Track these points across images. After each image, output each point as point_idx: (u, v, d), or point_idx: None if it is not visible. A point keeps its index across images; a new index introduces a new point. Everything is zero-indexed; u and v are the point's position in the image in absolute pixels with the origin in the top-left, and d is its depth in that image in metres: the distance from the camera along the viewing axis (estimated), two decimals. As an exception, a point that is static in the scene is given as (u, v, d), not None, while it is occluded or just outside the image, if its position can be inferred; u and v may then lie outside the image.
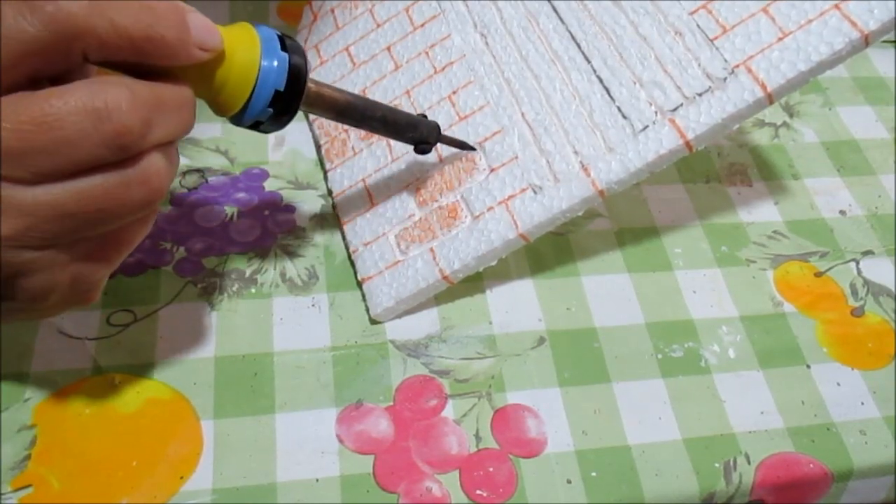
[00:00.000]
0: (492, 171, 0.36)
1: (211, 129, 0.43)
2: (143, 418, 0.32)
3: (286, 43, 0.28)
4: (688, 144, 0.33)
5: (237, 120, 0.29)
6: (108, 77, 0.23)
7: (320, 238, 0.39)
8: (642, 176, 0.34)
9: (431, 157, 0.38)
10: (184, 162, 0.41)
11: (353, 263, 0.38)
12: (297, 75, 0.28)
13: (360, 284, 0.37)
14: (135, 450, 0.31)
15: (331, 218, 0.40)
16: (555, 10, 0.38)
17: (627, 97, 0.35)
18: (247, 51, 0.27)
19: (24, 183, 0.22)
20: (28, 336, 0.34)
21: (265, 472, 0.32)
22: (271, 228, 0.39)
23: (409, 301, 0.36)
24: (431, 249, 0.36)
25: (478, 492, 0.32)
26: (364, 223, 0.38)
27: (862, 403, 0.36)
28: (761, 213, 0.43)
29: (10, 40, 0.21)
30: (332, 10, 0.45)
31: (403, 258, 0.36)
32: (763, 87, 0.33)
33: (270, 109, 0.28)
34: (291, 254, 0.38)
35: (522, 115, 0.37)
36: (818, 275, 0.40)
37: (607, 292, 0.39)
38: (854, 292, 0.40)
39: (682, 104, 0.34)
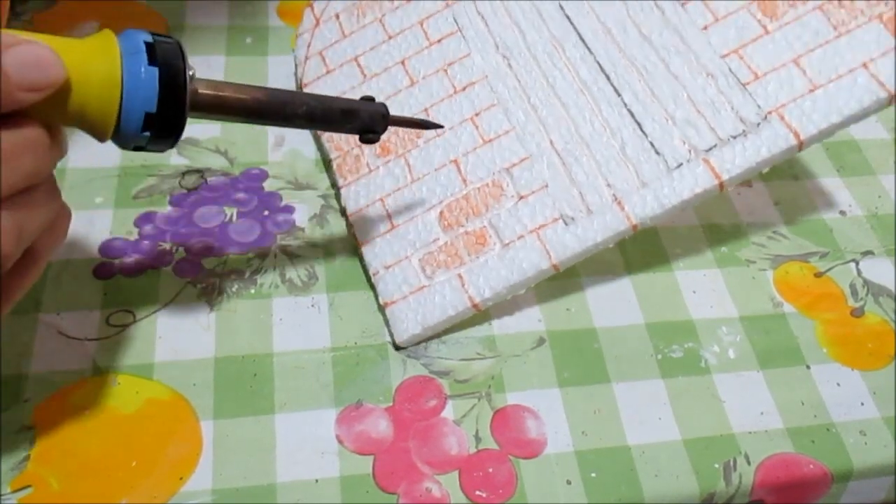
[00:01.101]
0: (521, 198, 0.36)
1: (210, 130, 0.43)
2: (142, 419, 0.32)
3: (156, 51, 0.24)
4: (721, 185, 0.34)
5: (120, 145, 0.25)
6: None
7: (320, 238, 0.39)
8: (675, 212, 0.34)
9: (455, 180, 0.37)
10: (183, 162, 0.41)
11: (373, 287, 0.37)
12: (172, 90, 0.24)
13: (381, 308, 0.36)
14: (134, 450, 0.31)
15: (331, 218, 0.40)
16: (581, 38, 0.38)
17: (660, 133, 0.35)
18: (104, 70, 0.23)
19: None
20: (27, 336, 0.34)
21: (265, 472, 0.32)
22: (271, 229, 0.39)
23: (435, 328, 0.35)
24: (460, 276, 0.36)
25: (477, 492, 0.32)
26: (385, 245, 0.37)
27: (862, 404, 0.36)
28: (761, 214, 0.43)
29: None
30: (337, 16, 0.45)
31: (429, 283, 0.36)
32: (796, 135, 0.33)
33: (147, 133, 0.25)
34: (291, 254, 0.38)
35: (551, 142, 0.37)
36: (818, 275, 0.40)
37: (607, 293, 0.39)
38: (854, 293, 0.40)
39: (715, 145, 0.34)
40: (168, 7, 0.49)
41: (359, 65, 0.43)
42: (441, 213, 0.37)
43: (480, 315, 0.37)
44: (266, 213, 0.40)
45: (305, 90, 0.43)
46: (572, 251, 0.35)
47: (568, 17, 0.39)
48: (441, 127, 0.36)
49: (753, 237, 0.42)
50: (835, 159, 0.46)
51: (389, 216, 0.38)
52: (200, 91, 0.26)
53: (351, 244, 0.39)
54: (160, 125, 0.25)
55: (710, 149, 0.34)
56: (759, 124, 0.34)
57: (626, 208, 0.34)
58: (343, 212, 0.40)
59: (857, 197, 0.44)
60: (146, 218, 0.39)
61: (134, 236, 0.38)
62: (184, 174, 0.41)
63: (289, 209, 0.40)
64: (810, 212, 0.43)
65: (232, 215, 0.40)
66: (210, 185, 0.41)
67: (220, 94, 0.27)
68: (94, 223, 0.38)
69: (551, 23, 0.39)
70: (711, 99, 0.35)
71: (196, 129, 0.42)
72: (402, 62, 0.42)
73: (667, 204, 0.34)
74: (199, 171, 0.41)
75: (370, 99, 0.32)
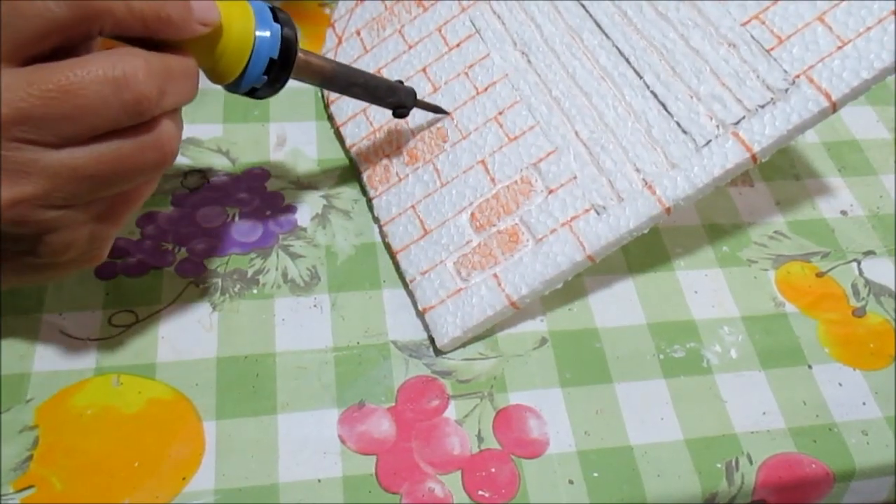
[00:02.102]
0: (550, 192, 0.36)
1: (212, 130, 0.43)
2: (145, 419, 0.32)
3: (278, 15, 0.30)
4: (754, 157, 0.33)
5: (233, 87, 0.31)
6: (124, 48, 0.25)
7: (322, 238, 0.39)
8: (708, 191, 0.34)
9: (484, 181, 0.38)
10: (185, 162, 0.41)
11: (410, 294, 0.37)
12: (288, 44, 0.30)
13: (420, 315, 0.36)
14: (137, 450, 0.31)
15: (333, 218, 0.40)
16: (598, 25, 0.38)
17: (686, 112, 0.35)
18: (242, 23, 0.29)
19: (50, 147, 0.24)
20: (30, 337, 0.34)
21: (267, 472, 0.32)
22: (273, 229, 0.39)
23: (475, 329, 0.35)
24: (495, 275, 0.35)
25: (480, 492, 0.32)
26: (419, 251, 0.37)
27: (863, 404, 0.36)
28: (763, 214, 0.43)
29: (36, 18, 0.23)
30: (358, 32, 0.45)
31: (465, 286, 0.36)
32: (827, 96, 0.32)
33: (265, 77, 0.30)
34: (293, 254, 0.38)
35: (576, 133, 0.36)
36: (819, 275, 0.40)
37: (609, 293, 0.39)
38: (855, 292, 0.40)
39: (744, 117, 0.34)
40: (169, 7, 0.48)
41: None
42: (472, 214, 0.37)
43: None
44: (268, 213, 0.40)
45: (332, 107, 0.44)
46: (606, 240, 0.34)
47: (583, 6, 0.39)
48: (447, 113, 0.40)
49: (755, 237, 0.42)
50: (836, 159, 0.46)
51: (422, 222, 0.38)
52: (298, 53, 0.32)
53: (352, 244, 0.39)
54: (277, 71, 0.31)
55: (739, 121, 0.34)
56: (787, 90, 0.33)
57: (657, 192, 0.34)
58: (376, 221, 0.40)
59: (859, 197, 0.44)
60: (148, 218, 0.39)
61: (136, 236, 0.38)
62: (186, 174, 0.41)
63: (291, 209, 0.40)
64: (812, 212, 0.43)
65: (234, 215, 0.40)
66: (212, 185, 0.41)
67: (310, 58, 0.33)
68: (96, 223, 0.38)
69: (567, 14, 0.39)
70: (735, 70, 0.34)
71: (198, 129, 0.43)
72: (424, 70, 0.42)
73: (698, 183, 0.34)
74: (201, 171, 0.41)
75: (400, 82, 0.39)
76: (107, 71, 0.24)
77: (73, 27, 0.24)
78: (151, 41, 0.26)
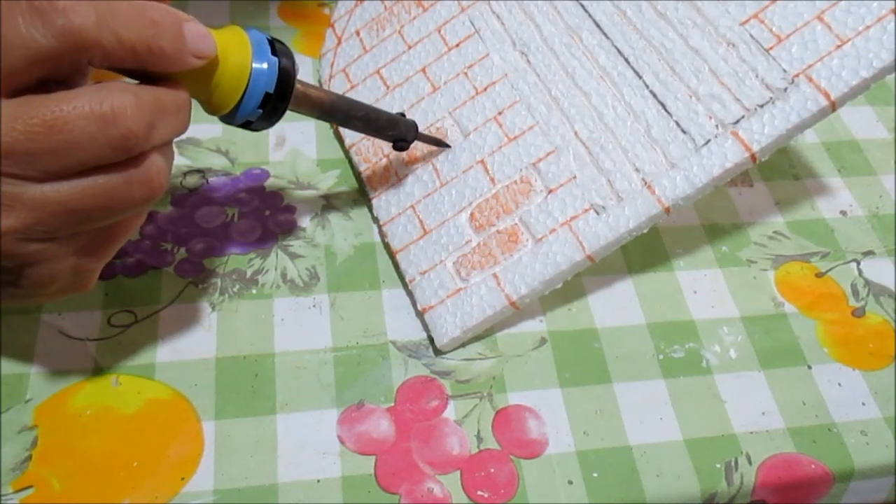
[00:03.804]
0: (550, 192, 0.36)
1: (211, 130, 0.43)
2: (144, 419, 0.32)
3: (276, 47, 0.30)
4: (753, 157, 0.33)
5: (228, 119, 0.30)
6: (114, 83, 0.25)
7: (321, 238, 0.39)
8: (707, 190, 0.34)
9: (483, 181, 0.38)
10: (184, 162, 0.41)
11: (410, 294, 0.37)
12: (286, 78, 0.30)
13: (420, 315, 0.36)
14: (136, 450, 0.31)
15: (332, 218, 0.40)
16: (597, 25, 0.38)
17: (685, 111, 0.35)
18: (239, 55, 0.28)
19: (33, 180, 0.24)
20: (29, 337, 0.34)
21: (266, 472, 0.32)
22: (272, 229, 0.39)
23: (474, 329, 0.35)
24: (495, 275, 0.35)
25: (479, 492, 0.32)
26: (419, 251, 0.37)
27: (863, 404, 0.36)
28: (762, 214, 0.43)
29: (21, 49, 0.23)
30: (358, 32, 0.45)
31: (465, 285, 0.36)
32: (826, 95, 0.32)
33: (260, 110, 0.30)
34: (292, 254, 0.38)
35: (575, 133, 0.36)
36: (819, 275, 0.40)
37: (608, 293, 0.39)
38: (855, 293, 0.40)
39: (743, 116, 0.34)
40: (169, 7, 0.49)
41: (381, 77, 0.43)
42: (472, 214, 0.37)
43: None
44: (267, 212, 0.40)
45: None
46: (606, 240, 0.34)
47: (582, 6, 0.39)
48: (448, 147, 0.39)
49: (754, 237, 0.42)
50: (836, 159, 0.46)
51: (421, 222, 0.38)
52: (296, 85, 0.31)
53: (351, 244, 0.39)
54: (273, 104, 0.30)
55: (738, 121, 0.34)
56: (786, 89, 0.33)
57: (656, 192, 0.34)
58: (376, 221, 0.40)
59: (858, 197, 0.44)
60: (148, 218, 0.39)
61: (135, 236, 0.38)
62: (185, 174, 0.41)
63: (290, 209, 0.40)
64: (811, 212, 0.43)
65: (233, 215, 0.40)
66: (211, 185, 0.41)
67: (308, 90, 0.32)
68: (96, 223, 0.38)
69: (566, 13, 0.39)
70: (734, 69, 0.34)
71: (197, 129, 0.43)
72: (423, 70, 0.42)
73: (698, 183, 0.34)
74: (200, 171, 0.41)
75: (402, 115, 0.38)
76: (94, 107, 0.23)
77: (60, 58, 0.23)
78: (144, 73, 0.26)
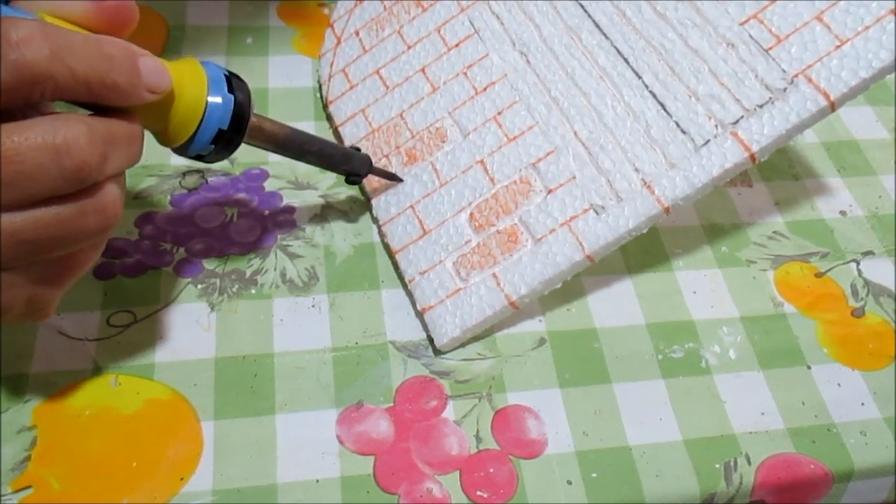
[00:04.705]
0: (549, 192, 0.36)
1: (211, 130, 0.43)
2: (143, 419, 0.32)
3: (232, 83, 0.30)
4: (752, 157, 0.33)
5: (181, 151, 0.30)
6: (66, 114, 0.25)
7: (321, 239, 0.39)
8: (707, 190, 0.34)
9: (483, 181, 0.38)
10: (184, 162, 0.41)
11: (409, 294, 0.37)
12: (240, 114, 0.30)
13: (420, 315, 0.36)
14: (135, 451, 0.31)
15: (332, 218, 0.40)
16: (597, 25, 0.38)
17: (684, 112, 0.35)
18: (194, 89, 0.29)
19: None
20: (28, 337, 0.34)
21: (265, 473, 0.32)
22: (271, 229, 0.39)
23: (474, 329, 0.35)
24: (494, 275, 0.35)
25: (478, 493, 0.32)
26: (418, 251, 0.37)
27: (862, 404, 0.36)
28: (762, 214, 0.43)
29: None
30: (357, 32, 0.45)
31: (464, 286, 0.36)
32: (826, 95, 0.32)
33: (213, 146, 0.30)
34: (292, 254, 0.38)
35: (575, 133, 0.36)
36: (819, 275, 0.40)
37: (608, 293, 0.39)
38: (854, 293, 0.40)
39: (742, 117, 0.34)
40: (169, 7, 0.49)
41: (381, 77, 0.43)
42: (471, 214, 0.37)
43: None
44: (266, 213, 0.40)
45: (331, 107, 0.44)
46: (605, 240, 0.34)
47: (582, 6, 0.39)
48: (401, 181, 0.39)
49: (754, 237, 0.42)
50: (835, 159, 0.46)
51: (421, 222, 0.38)
52: (252, 119, 0.31)
53: (351, 244, 0.39)
54: (226, 140, 0.30)
55: (737, 121, 0.34)
56: (785, 90, 0.33)
57: (656, 192, 0.34)
58: (375, 221, 0.40)
59: (858, 197, 0.44)
60: (147, 218, 0.39)
61: (134, 236, 0.38)
62: (184, 174, 0.41)
63: (289, 209, 0.40)
64: (811, 212, 0.43)
65: (232, 215, 0.40)
66: (211, 186, 0.41)
67: (263, 124, 0.33)
68: (95, 223, 0.38)
69: (565, 14, 0.39)
70: (734, 69, 0.34)
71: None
72: (423, 70, 0.42)
73: (697, 183, 0.34)
74: (199, 172, 0.41)
75: (357, 149, 0.39)
76: (46, 138, 0.23)
77: (10, 92, 0.23)
78: (98, 106, 0.26)
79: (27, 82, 0.23)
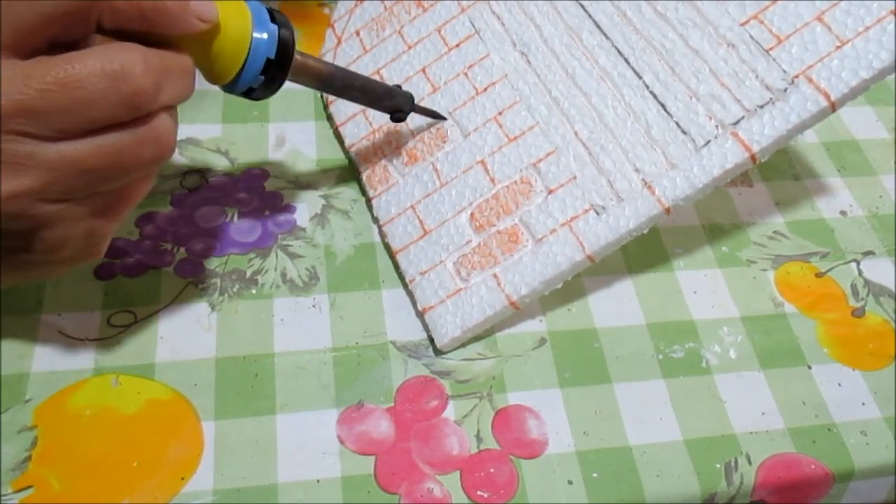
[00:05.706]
0: (550, 192, 0.36)
1: (211, 130, 0.43)
2: (143, 419, 0.32)
3: (275, 16, 0.31)
4: (753, 157, 0.33)
5: (230, 87, 0.31)
6: (121, 43, 0.25)
7: (321, 238, 0.39)
8: (708, 191, 0.34)
9: (484, 181, 0.38)
10: (184, 162, 0.41)
11: (410, 294, 0.37)
12: (285, 45, 0.31)
13: (420, 315, 0.36)
14: (135, 451, 0.31)
15: (332, 218, 0.40)
16: (597, 25, 0.38)
17: (685, 112, 0.35)
18: (239, 22, 0.29)
19: (48, 140, 0.24)
20: (29, 337, 0.34)
21: (266, 472, 0.32)
22: (272, 229, 0.39)
23: (474, 329, 0.35)
24: (495, 275, 0.35)
25: (479, 493, 0.32)
26: (419, 251, 0.37)
27: (863, 404, 0.36)
28: (762, 214, 0.43)
29: (37, 7, 0.23)
30: (358, 33, 0.45)
31: (465, 286, 0.36)
32: (826, 96, 0.32)
33: (262, 77, 0.30)
34: (292, 254, 0.38)
35: (576, 134, 0.36)
36: (819, 275, 0.40)
37: (608, 293, 0.39)
38: (855, 293, 0.40)
39: (743, 117, 0.34)
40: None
41: (381, 77, 0.43)
42: (472, 214, 0.37)
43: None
44: (267, 212, 0.40)
45: (331, 107, 0.44)
46: (606, 240, 0.34)
47: (582, 6, 0.39)
48: (444, 119, 0.40)
49: (754, 237, 0.42)
50: (836, 159, 0.46)
51: (421, 222, 0.38)
52: (295, 55, 0.32)
53: (351, 244, 0.39)
54: (273, 71, 0.30)
55: (738, 121, 0.34)
56: (786, 90, 0.33)
57: (656, 192, 0.34)
58: (376, 221, 0.40)
59: (858, 197, 0.44)
60: (147, 218, 0.39)
61: (135, 236, 0.38)
62: (185, 174, 0.41)
63: (290, 209, 0.40)
64: (811, 212, 0.43)
65: (233, 215, 0.40)
66: (211, 185, 0.41)
67: (307, 60, 0.33)
68: (95, 223, 0.38)
69: (566, 14, 0.39)
70: (734, 70, 0.34)
71: (197, 129, 0.43)
72: (423, 70, 0.42)
73: (698, 183, 0.34)
74: (200, 172, 0.41)
75: (398, 86, 0.39)
76: (104, 64, 0.24)
77: (71, 17, 0.24)
78: (148, 38, 0.26)
79: (90, 6, 0.24)
